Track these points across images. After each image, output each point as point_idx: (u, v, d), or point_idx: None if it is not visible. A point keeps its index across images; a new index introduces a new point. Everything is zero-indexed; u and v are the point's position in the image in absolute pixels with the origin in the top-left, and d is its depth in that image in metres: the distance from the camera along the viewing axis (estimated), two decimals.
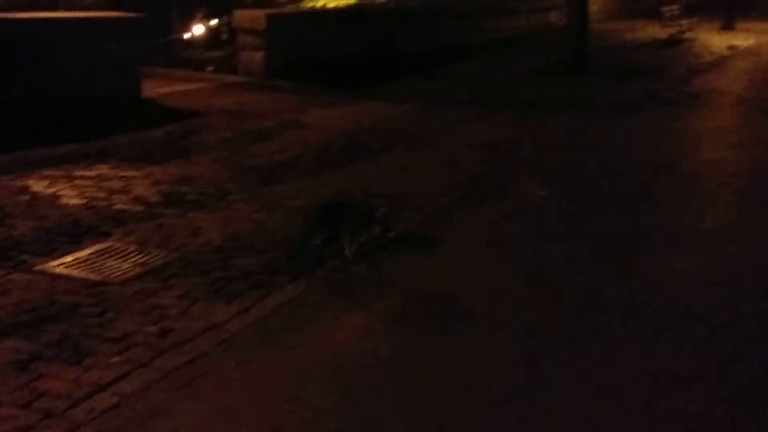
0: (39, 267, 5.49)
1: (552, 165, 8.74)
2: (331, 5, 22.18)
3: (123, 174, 7.92)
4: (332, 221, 5.49)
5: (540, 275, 5.58)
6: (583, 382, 4.01)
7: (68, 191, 7.29)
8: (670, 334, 4.59)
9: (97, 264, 5.55)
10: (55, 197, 7.11)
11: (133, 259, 5.64)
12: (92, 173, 7.92)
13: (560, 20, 21.10)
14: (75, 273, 5.39)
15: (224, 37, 20.13)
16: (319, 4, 22.52)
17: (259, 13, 14.69)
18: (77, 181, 7.62)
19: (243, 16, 14.84)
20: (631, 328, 4.67)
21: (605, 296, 5.16)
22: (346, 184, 7.70)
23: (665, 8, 22.86)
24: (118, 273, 5.39)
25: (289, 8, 20.50)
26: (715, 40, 22.31)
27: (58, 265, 5.52)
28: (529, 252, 6.05)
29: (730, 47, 21.01)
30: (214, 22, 21.90)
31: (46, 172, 7.87)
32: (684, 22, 22.57)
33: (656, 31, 22.79)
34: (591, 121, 11.30)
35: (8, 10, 12.11)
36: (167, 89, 13.03)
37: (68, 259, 5.64)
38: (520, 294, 5.22)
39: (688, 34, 22.22)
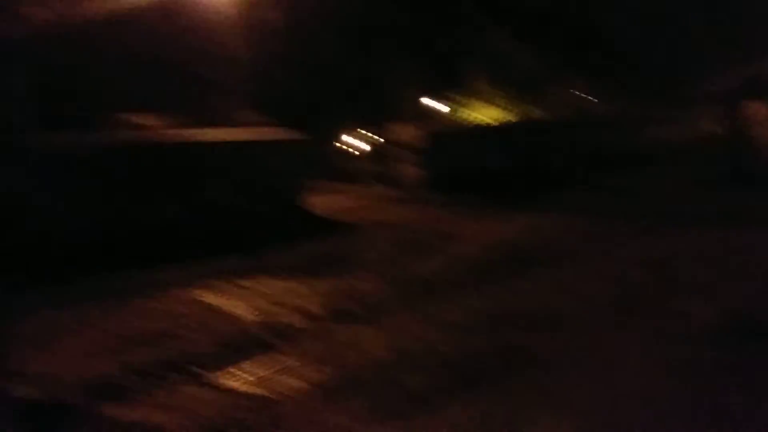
0: (208, 380, 5.65)
1: (713, 283, 8.20)
2: (482, 118, 22.66)
3: (286, 286, 8.16)
4: None
5: None
6: None
7: (235, 302, 7.55)
8: None
9: (264, 378, 5.66)
10: (223, 309, 7.36)
11: (298, 375, 5.71)
12: (258, 285, 8.19)
13: (715, 128, 20.55)
14: (242, 387, 5.52)
15: (383, 151, 20.87)
16: (472, 116, 23.04)
17: (419, 131, 15.15)
18: (243, 292, 7.89)
19: (402, 132, 15.34)
20: None
21: None
22: (504, 301, 7.63)
23: None
24: (285, 388, 5.45)
25: (445, 125, 21.14)
26: None
27: (227, 379, 5.66)
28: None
29: None
30: (372, 135, 22.76)
31: (213, 283, 8.23)
32: None
33: None
34: (758, 238, 10.76)
35: (173, 128, 12.97)
36: (328, 202, 13.51)
37: (237, 372, 5.79)
38: None
39: None
